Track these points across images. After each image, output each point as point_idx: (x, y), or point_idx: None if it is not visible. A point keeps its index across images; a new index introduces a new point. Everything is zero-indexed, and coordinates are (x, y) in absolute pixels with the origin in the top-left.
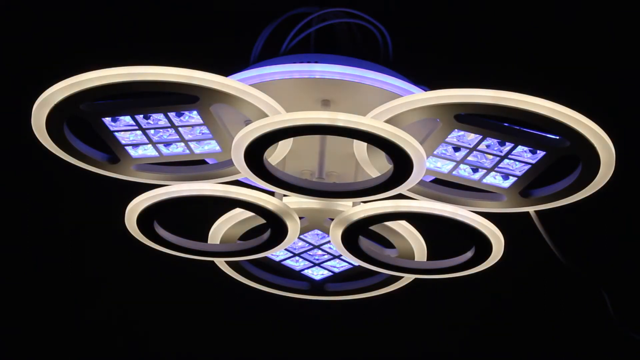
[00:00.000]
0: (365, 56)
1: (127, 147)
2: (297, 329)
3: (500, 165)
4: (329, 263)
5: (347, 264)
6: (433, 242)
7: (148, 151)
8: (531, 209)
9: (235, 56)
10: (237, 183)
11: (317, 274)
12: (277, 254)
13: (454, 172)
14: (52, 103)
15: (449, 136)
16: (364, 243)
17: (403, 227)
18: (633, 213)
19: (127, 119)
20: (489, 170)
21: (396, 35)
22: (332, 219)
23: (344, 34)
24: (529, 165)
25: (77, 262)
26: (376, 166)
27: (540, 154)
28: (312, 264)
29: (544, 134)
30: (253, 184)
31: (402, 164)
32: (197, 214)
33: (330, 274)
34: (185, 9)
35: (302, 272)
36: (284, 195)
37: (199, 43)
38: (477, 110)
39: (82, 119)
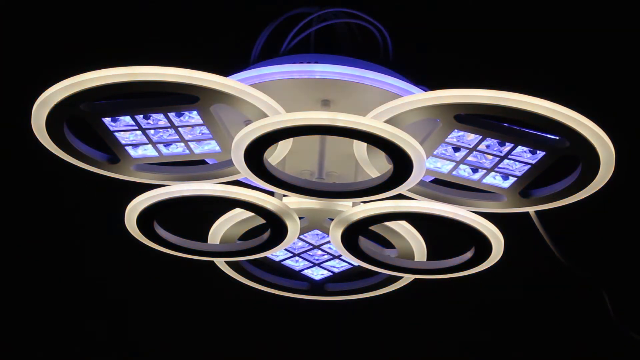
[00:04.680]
0: (365, 56)
1: (127, 147)
2: (297, 329)
3: (500, 166)
4: (328, 263)
5: (347, 264)
6: (433, 242)
7: (148, 151)
8: (531, 209)
9: (235, 56)
10: (237, 183)
11: (317, 274)
12: (277, 254)
13: (453, 172)
14: (52, 103)
15: (449, 136)
16: (364, 243)
17: (403, 227)
18: (633, 213)
19: (127, 119)
20: (489, 171)
21: (396, 35)
22: (332, 219)
23: (344, 34)
24: (529, 166)
25: (77, 262)
26: (376, 166)
27: (540, 154)
28: (312, 264)
29: (543, 134)
30: (253, 184)
31: (402, 164)
32: (197, 214)
33: (330, 274)
34: (185, 9)
35: (302, 272)
36: (284, 196)
37: (199, 43)
38: (477, 110)
39: (82, 119)
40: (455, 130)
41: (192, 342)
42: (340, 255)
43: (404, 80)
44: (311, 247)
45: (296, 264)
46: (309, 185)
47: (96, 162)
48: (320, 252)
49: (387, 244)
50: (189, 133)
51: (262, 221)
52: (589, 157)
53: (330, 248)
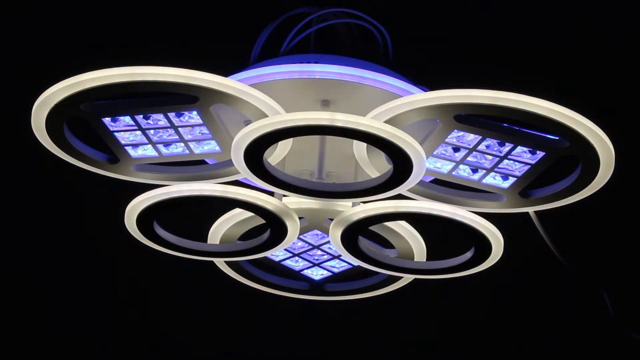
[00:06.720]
0: (365, 56)
1: (127, 147)
2: (297, 329)
3: (499, 166)
4: (328, 263)
5: (346, 264)
6: (433, 242)
7: (148, 151)
8: (531, 209)
9: (235, 56)
10: (237, 183)
11: (316, 274)
12: (276, 254)
13: (453, 173)
14: (52, 103)
15: (449, 136)
16: (364, 243)
17: (403, 227)
18: (633, 213)
19: (127, 119)
20: (489, 171)
21: (396, 35)
22: (332, 219)
23: (344, 34)
24: (529, 166)
25: (77, 262)
26: (376, 166)
27: (540, 154)
28: (311, 264)
29: (543, 135)
30: (253, 184)
31: (401, 165)
32: (197, 214)
33: (330, 274)
34: (185, 9)
35: (302, 272)
36: (284, 196)
37: (199, 43)
38: (476, 110)
39: (82, 119)
40: (455, 130)
41: (192, 342)
42: (340, 255)
43: (404, 80)
44: (311, 247)
45: (296, 264)
46: (309, 185)
47: (96, 162)
48: (320, 252)
49: (387, 244)
50: (189, 133)
51: (262, 221)
52: (589, 157)
53: (330, 248)
